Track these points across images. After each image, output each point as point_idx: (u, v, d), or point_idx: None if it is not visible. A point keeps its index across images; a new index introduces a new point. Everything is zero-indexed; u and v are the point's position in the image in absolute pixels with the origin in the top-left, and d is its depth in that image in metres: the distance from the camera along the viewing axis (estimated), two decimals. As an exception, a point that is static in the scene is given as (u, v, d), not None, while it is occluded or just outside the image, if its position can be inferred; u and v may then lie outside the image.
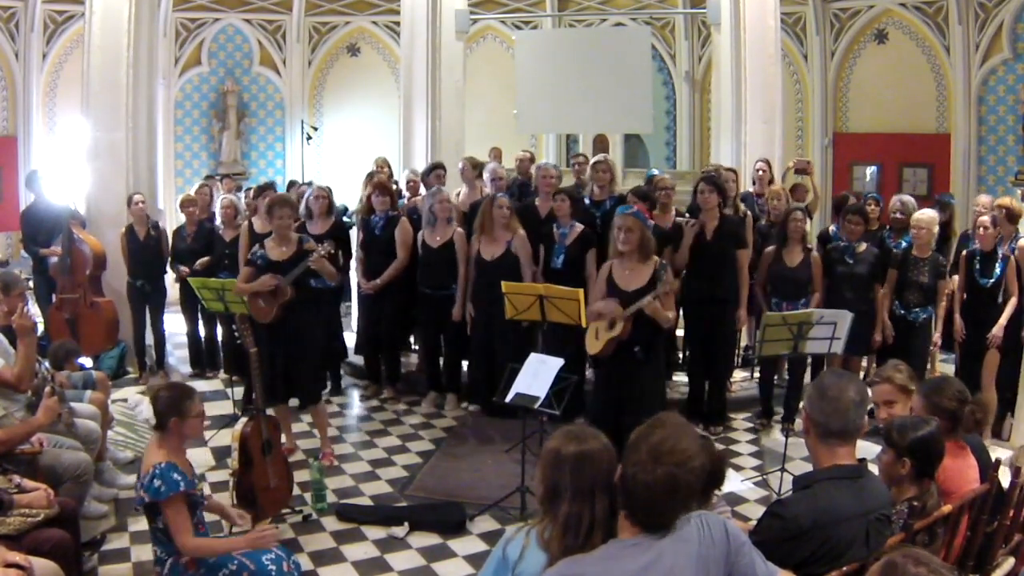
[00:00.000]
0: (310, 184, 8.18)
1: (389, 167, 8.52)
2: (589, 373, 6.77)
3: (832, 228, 6.68)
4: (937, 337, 6.08)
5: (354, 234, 7.32)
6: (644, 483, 2.07)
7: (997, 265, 5.90)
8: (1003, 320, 5.81)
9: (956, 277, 6.29)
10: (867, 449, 3.32)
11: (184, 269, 7.06)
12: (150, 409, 3.30)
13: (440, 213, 6.42)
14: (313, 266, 5.27)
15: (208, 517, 3.74)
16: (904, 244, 6.35)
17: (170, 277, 7.64)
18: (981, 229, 5.91)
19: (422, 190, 7.57)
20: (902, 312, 6.05)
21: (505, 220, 6.16)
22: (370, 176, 7.52)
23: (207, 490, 4.60)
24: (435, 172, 7.34)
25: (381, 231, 6.62)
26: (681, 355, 6.99)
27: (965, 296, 6.10)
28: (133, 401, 3.32)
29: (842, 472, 2.55)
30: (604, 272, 5.13)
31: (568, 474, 2.26)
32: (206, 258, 7.09)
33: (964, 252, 6.17)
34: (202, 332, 7.47)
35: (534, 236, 6.33)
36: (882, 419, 3.30)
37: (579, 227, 6.15)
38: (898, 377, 3.39)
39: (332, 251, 5.41)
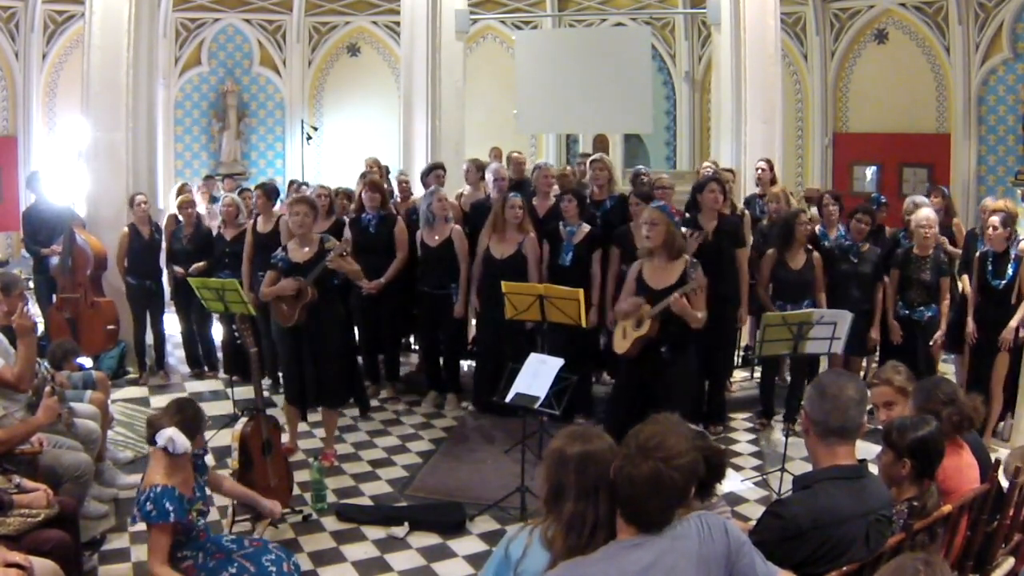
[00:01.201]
0: (306, 185, 8.17)
1: (379, 167, 8.51)
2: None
3: (819, 228, 6.65)
4: (939, 335, 6.04)
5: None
6: (629, 477, 2.09)
7: (1009, 266, 5.86)
8: (1014, 323, 5.76)
9: (965, 276, 6.28)
10: (867, 449, 3.32)
11: (180, 270, 7.05)
12: (186, 440, 3.26)
13: (438, 212, 6.42)
14: (331, 266, 5.26)
15: (209, 517, 3.73)
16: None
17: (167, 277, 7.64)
18: (991, 230, 5.89)
19: (415, 191, 7.56)
20: (906, 312, 6.04)
21: (518, 220, 6.16)
22: (363, 177, 7.51)
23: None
24: (434, 172, 7.33)
25: (375, 229, 6.62)
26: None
27: (977, 297, 6.05)
28: (164, 437, 3.28)
29: (842, 472, 2.55)
30: (634, 271, 5.08)
31: (572, 474, 2.26)
32: (202, 263, 7.08)
33: (977, 253, 6.13)
34: (196, 332, 7.45)
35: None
36: (882, 421, 3.30)
37: (587, 227, 6.16)
38: (897, 379, 3.39)
39: (348, 250, 5.39)
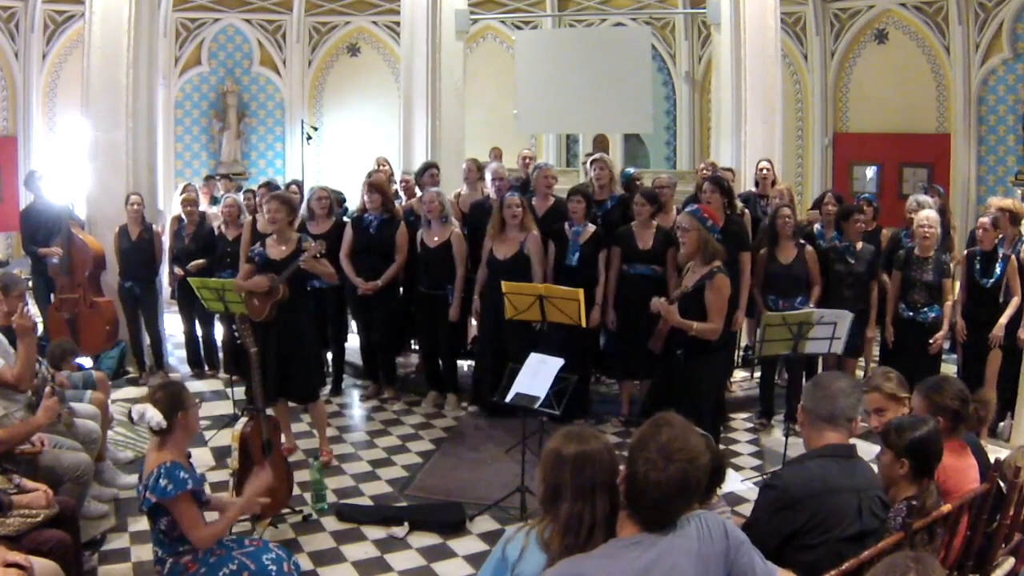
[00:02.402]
0: (292, 184, 8.17)
1: (389, 166, 8.51)
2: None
3: (817, 227, 6.66)
4: (941, 335, 6.04)
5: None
6: (656, 482, 2.07)
7: (997, 265, 5.91)
8: (1003, 320, 5.83)
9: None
10: (867, 450, 3.33)
11: (180, 271, 7.06)
12: (158, 413, 3.28)
13: (428, 214, 6.43)
14: (304, 266, 5.25)
15: (209, 516, 3.73)
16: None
17: (166, 277, 7.62)
18: (981, 231, 5.93)
19: (418, 191, 7.55)
20: (910, 314, 6.02)
21: (518, 220, 6.16)
22: (369, 176, 7.50)
23: (208, 491, 4.58)
24: (428, 172, 7.30)
25: (376, 230, 6.61)
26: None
27: (966, 296, 6.10)
28: (138, 411, 3.30)
29: (833, 451, 2.71)
30: (685, 270, 5.19)
31: (569, 474, 2.26)
32: (201, 260, 7.08)
33: (964, 252, 6.17)
34: (199, 332, 7.46)
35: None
36: (874, 427, 3.30)
37: (592, 227, 6.17)
38: (888, 386, 3.38)
39: (322, 251, 5.39)
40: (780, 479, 2.71)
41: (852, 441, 2.82)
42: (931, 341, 5.97)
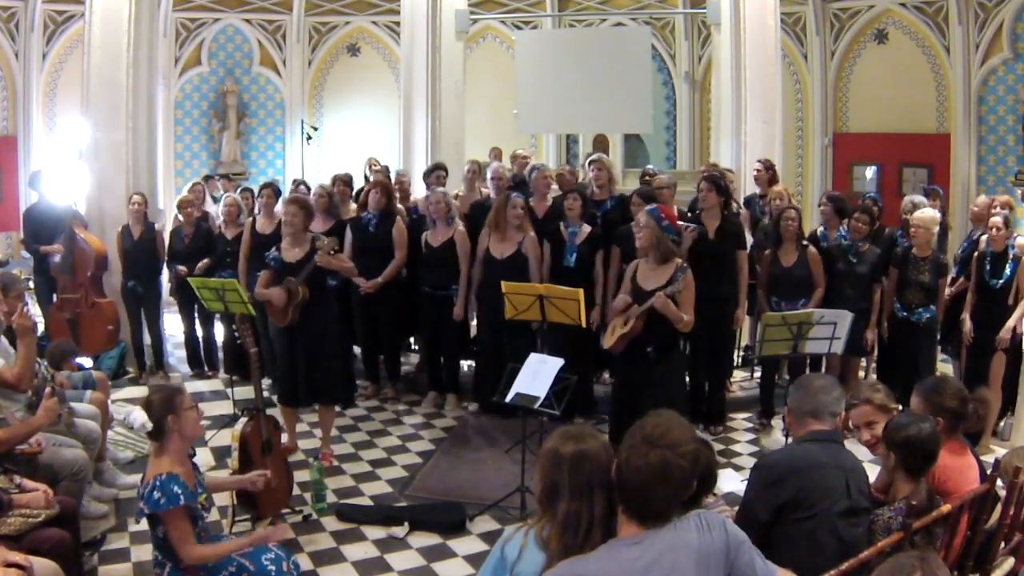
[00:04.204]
0: (305, 184, 8.16)
1: (380, 165, 8.51)
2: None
3: (820, 229, 6.65)
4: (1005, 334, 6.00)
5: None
6: (636, 467, 2.10)
7: (1007, 266, 5.87)
8: (1011, 323, 5.77)
9: (962, 277, 6.29)
10: (865, 452, 3.34)
11: (182, 269, 7.05)
12: (143, 414, 3.27)
13: (433, 214, 6.44)
14: (320, 263, 5.27)
15: (209, 517, 3.73)
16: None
17: (167, 277, 7.62)
18: (994, 230, 5.89)
19: (415, 191, 7.56)
20: (904, 314, 5.99)
21: (519, 220, 6.17)
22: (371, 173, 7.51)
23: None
24: (435, 173, 7.30)
25: (375, 228, 6.61)
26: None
27: (975, 297, 6.04)
28: (124, 411, 3.31)
29: (816, 436, 2.94)
30: (631, 270, 5.20)
31: (566, 473, 2.27)
32: (206, 260, 7.08)
33: (976, 253, 6.12)
34: (199, 332, 7.46)
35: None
36: (866, 441, 3.30)
37: (587, 228, 6.18)
38: (877, 397, 3.37)
39: (336, 248, 5.41)
40: (766, 459, 3.02)
41: (849, 442, 2.88)
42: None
